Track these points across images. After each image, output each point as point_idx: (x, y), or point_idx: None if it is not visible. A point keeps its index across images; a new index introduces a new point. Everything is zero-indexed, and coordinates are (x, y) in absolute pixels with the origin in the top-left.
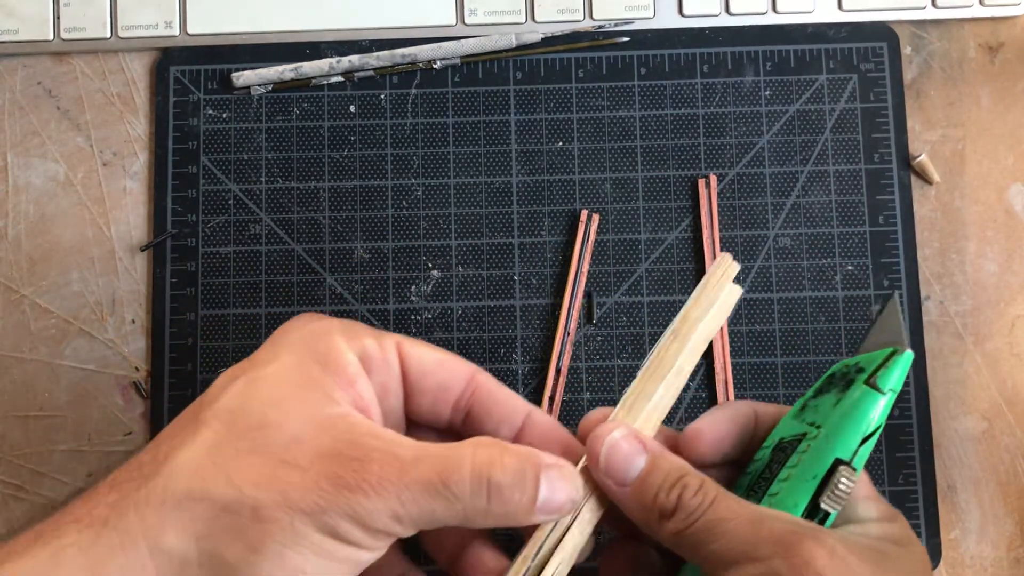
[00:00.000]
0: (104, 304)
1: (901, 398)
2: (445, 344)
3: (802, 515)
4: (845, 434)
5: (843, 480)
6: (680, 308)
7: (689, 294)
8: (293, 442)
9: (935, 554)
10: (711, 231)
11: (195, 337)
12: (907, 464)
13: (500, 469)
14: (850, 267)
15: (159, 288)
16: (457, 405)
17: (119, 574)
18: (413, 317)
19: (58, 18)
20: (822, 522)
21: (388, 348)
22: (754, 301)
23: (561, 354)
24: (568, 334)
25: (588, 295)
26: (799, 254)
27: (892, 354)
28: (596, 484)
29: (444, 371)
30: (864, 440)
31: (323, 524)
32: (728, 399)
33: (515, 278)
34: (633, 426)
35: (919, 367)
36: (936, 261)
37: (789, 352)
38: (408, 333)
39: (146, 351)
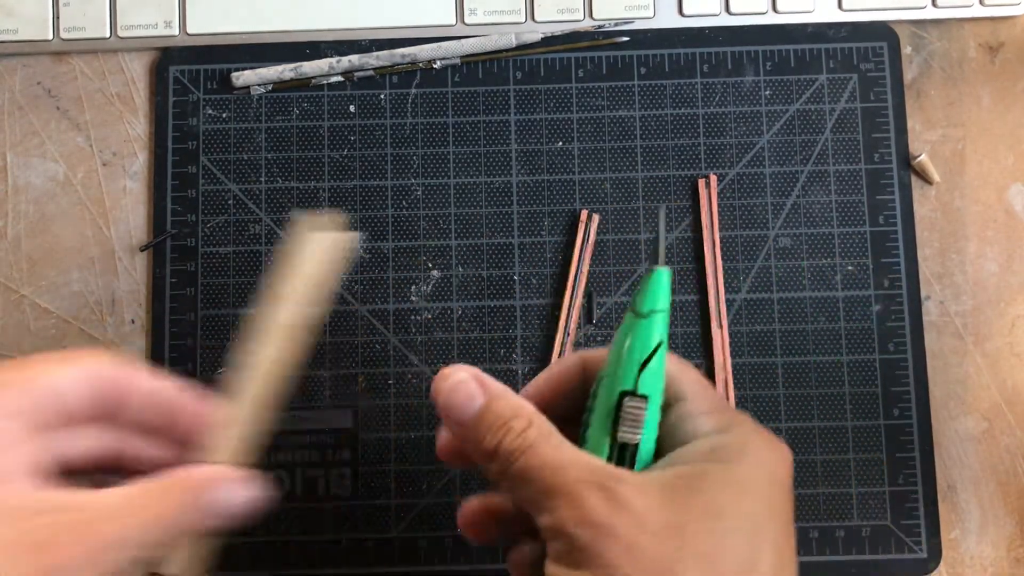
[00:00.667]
0: (104, 304)
1: (901, 398)
2: (445, 344)
3: (608, 453)
4: (622, 365)
5: (629, 409)
6: (680, 308)
7: (689, 294)
8: None
9: (935, 554)
10: (711, 231)
11: (195, 337)
12: (907, 464)
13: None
14: (850, 267)
15: (159, 288)
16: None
17: None
18: (413, 317)
19: (58, 18)
20: (633, 455)
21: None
22: (754, 301)
23: (561, 354)
24: (568, 334)
25: (588, 295)
26: (799, 254)
27: (649, 275)
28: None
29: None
30: (644, 364)
31: None
32: (729, 399)
33: (515, 278)
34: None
35: (919, 367)
36: (936, 261)
37: (789, 352)
38: (408, 333)
39: (146, 351)
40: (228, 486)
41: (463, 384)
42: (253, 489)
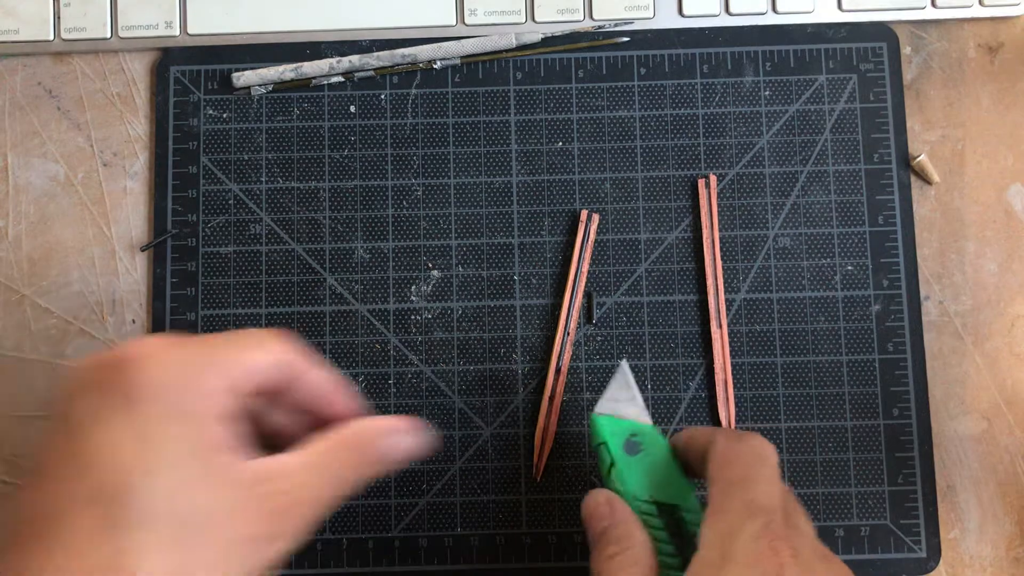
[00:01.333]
0: (104, 304)
1: (900, 397)
2: (445, 344)
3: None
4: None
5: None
6: (680, 308)
7: (689, 294)
8: (204, 524)
9: (934, 554)
10: (711, 231)
11: None
12: (907, 464)
13: (370, 435)
14: (850, 267)
15: (159, 288)
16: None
17: None
18: (413, 317)
19: (58, 18)
20: (612, 465)
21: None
22: (754, 301)
23: (561, 354)
24: (568, 334)
25: (588, 295)
26: (799, 254)
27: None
28: None
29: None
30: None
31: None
32: (728, 399)
33: (515, 278)
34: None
35: (918, 367)
36: (936, 261)
37: (789, 352)
38: (408, 333)
39: None
40: (397, 436)
41: (599, 506)
42: (418, 436)
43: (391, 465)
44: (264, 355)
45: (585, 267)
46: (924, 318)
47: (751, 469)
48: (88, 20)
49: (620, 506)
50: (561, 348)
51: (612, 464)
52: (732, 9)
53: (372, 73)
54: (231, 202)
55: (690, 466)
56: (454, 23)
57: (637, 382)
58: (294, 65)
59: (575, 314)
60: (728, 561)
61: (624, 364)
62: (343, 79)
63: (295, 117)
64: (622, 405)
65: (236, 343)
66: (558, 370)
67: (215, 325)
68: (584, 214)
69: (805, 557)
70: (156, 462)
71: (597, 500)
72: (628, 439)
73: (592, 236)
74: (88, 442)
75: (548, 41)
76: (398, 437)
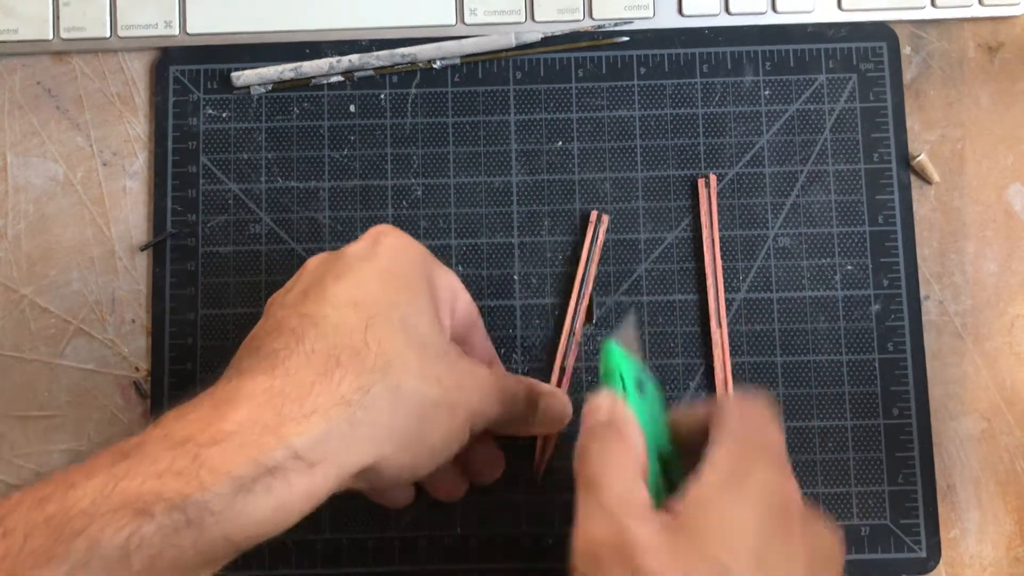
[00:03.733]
0: (104, 304)
1: (900, 397)
2: None
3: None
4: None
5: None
6: (680, 308)
7: (688, 293)
8: (462, 363)
9: (934, 553)
10: (711, 231)
11: (195, 337)
12: (907, 464)
13: (540, 390)
14: (850, 267)
15: (159, 288)
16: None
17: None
18: None
19: (58, 18)
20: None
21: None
22: (754, 301)
23: (566, 354)
24: (574, 334)
25: (589, 295)
26: (799, 254)
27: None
28: None
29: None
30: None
31: (473, 423)
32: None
33: (515, 278)
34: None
35: (918, 367)
36: (936, 261)
37: (789, 352)
38: None
39: (146, 351)
40: (560, 400)
41: (603, 400)
42: (570, 409)
43: (546, 423)
44: (468, 305)
45: (593, 269)
46: (924, 318)
47: (761, 416)
48: (87, 19)
49: (625, 407)
50: (566, 349)
51: (624, 396)
52: (732, 9)
53: (372, 73)
54: (231, 202)
55: (681, 434)
56: (454, 23)
57: None
58: (294, 65)
59: (581, 315)
60: (741, 481)
61: (632, 313)
62: (343, 79)
63: (295, 117)
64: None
65: (455, 282)
66: (563, 370)
67: (215, 325)
68: (594, 215)
69: (805, 507)
70: (405, 300)
71: (602, 397)
72: (638, 377)
73: (601, 237)
74: (349, 278)
75: (548, 41)
76: (561, 401)
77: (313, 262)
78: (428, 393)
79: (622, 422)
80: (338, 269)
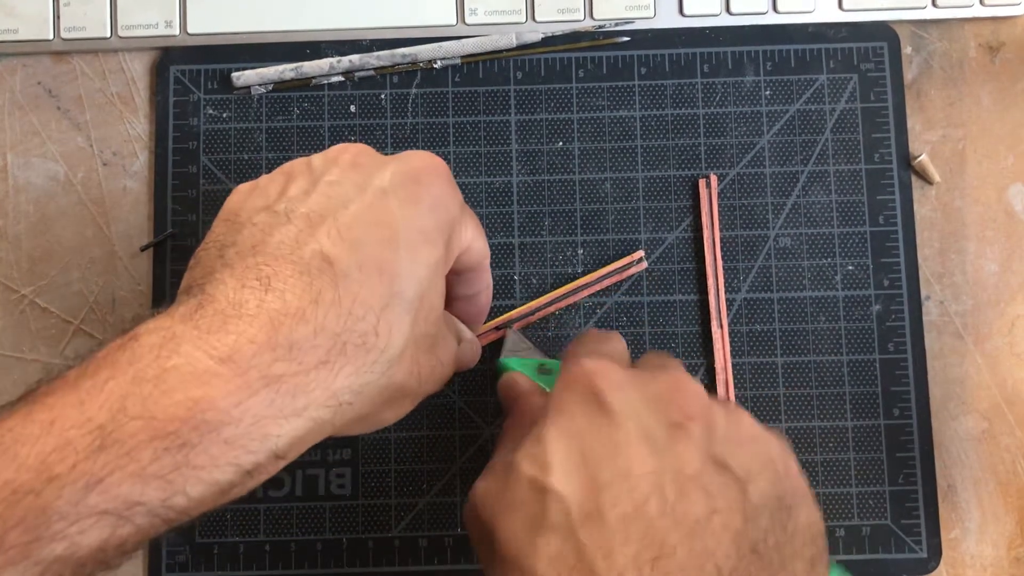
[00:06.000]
0: (104, 304)
1: (901, 397)
2: None
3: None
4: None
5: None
6: (680, 308)
7: (689, 293)
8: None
9: (935, 554)
10: (712, 231)
11: None
12: (907, 464)
13: (464, 336)
14: (850, 267)
15: (159, 288)
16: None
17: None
18: None
19: (58, 18)
20: None
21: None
22: (754, 301)
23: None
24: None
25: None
26: (799, 254)
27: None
28: None
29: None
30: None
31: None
32: (728, 398)
33: (515, 278)
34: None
35: (919, 367)
36: (936, 261)
37: (789, 352)
38: None
39: None
40: (475, 349)
41: (507, 380)
42: (479, 354)
43: (458, 366)
44: (480, 257)
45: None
46: (924, 318)
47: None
48: (88, 20)
49: (524, 379)
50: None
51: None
52: (733, 9)
53: (372, 73)
54: None
55: None
56: (454, 23)
57: None
58: (294, 65)
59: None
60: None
61: (510, 330)
62: (343, 79)
63: (295, 117)
64: (523, 353)
65: (471, 227)
66: None
67: None
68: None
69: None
70: (428, 273)
71: (505, 379)
72: (539, 368)
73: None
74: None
75: (548, 41)
76: (475, 347)
77: (337, 162)
78: (406, 385)
79: (530, 394)
80: (371, 202)
